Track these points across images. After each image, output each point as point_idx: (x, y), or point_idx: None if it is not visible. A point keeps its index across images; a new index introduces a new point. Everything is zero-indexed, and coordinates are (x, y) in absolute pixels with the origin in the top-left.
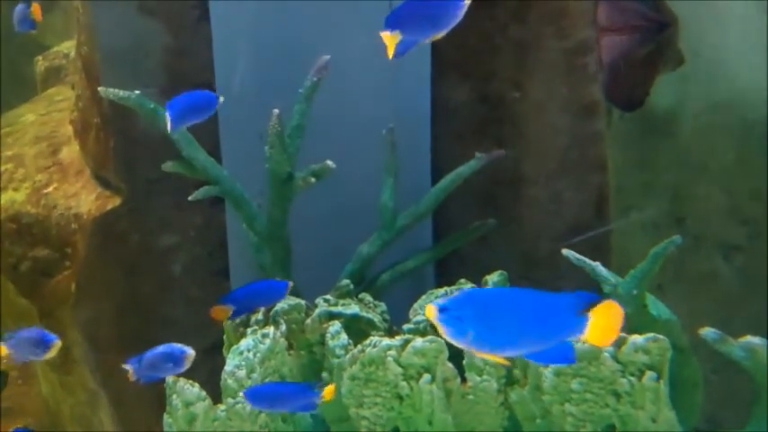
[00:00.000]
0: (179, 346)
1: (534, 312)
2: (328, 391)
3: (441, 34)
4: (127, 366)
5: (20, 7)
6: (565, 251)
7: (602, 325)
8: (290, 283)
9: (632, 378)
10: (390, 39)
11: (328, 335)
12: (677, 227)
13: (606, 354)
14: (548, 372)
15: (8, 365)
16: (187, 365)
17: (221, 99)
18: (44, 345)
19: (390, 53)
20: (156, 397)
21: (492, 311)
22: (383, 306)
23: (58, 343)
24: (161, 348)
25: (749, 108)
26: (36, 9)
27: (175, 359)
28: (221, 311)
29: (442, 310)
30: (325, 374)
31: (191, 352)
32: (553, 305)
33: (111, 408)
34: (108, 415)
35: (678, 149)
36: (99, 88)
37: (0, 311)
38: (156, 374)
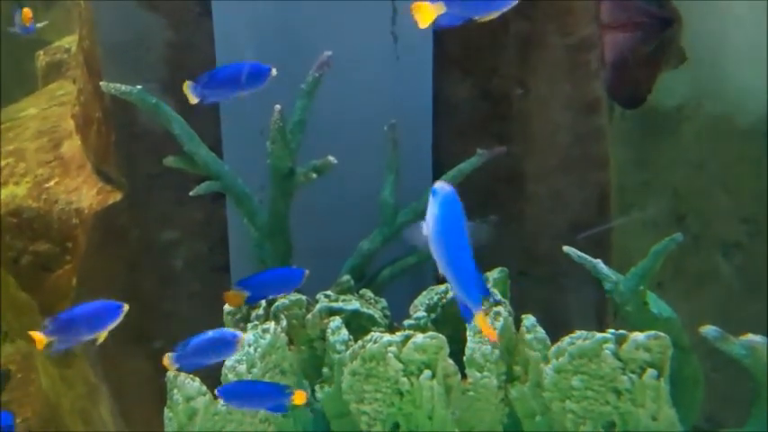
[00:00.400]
0: (230, 330)
1: None
2: (299, 396)
3: (494, 14)
4: (168, 357)
5: (17, 12)
6: (566, 248)
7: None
8: (306, 272)
9: (633, 375)
10: (430, 9)
11: (329, 330)
12: (678, 225)
13: (607, 351)
14: (548, 368)
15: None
16: (238, 349)
17: (274, 72)
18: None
19: (425, 23)
20: (156, 391)
21: None
22: (384, 302)
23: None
24: (210, 334)
25: (749, 107)
26: (26, 14)
27: (226, 343)
28: (236, 297)
29: None
30: (325, 370)
31: (242, 336)
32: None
33: (111, 401)
34: (108, 409)
35: (679, 148)
36: (101, 83)
37: (0, 306)
38: (202, 361)
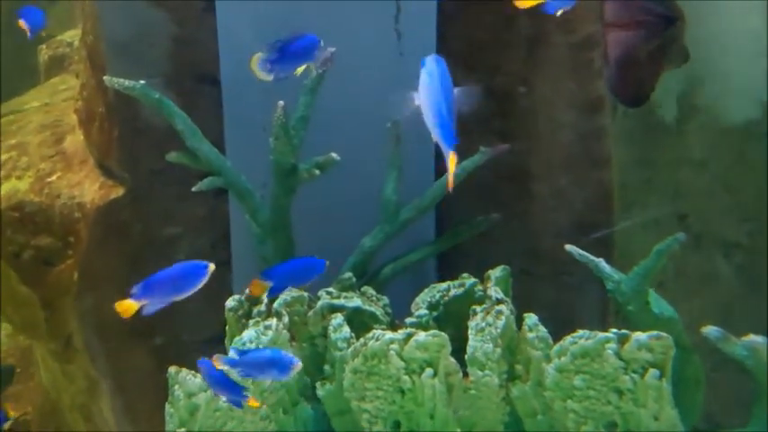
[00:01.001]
0: (287, 354)
1: None
2: (251, 403)
3: None
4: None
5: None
6: (568, 247)
7: None
8: (327, 262)
9: (635, 375)
10: None
11: (330, 327)
12: (679, 224)
13: (609, 351)
14: (550, 367)
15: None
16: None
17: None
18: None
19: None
20: (157, 386)
21: None
22: (385, 299)
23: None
24: (267, 352)
25: (750, 106)
26: (21, 24)
27: (282, 366)
28: (260, 287)
29: None
30: (326, 367)
31: (297, 363)
32: None
33: (112, 397)
34: (109, 404)
35: (680, 147)
36: (104, 77)
37: (0, 299)
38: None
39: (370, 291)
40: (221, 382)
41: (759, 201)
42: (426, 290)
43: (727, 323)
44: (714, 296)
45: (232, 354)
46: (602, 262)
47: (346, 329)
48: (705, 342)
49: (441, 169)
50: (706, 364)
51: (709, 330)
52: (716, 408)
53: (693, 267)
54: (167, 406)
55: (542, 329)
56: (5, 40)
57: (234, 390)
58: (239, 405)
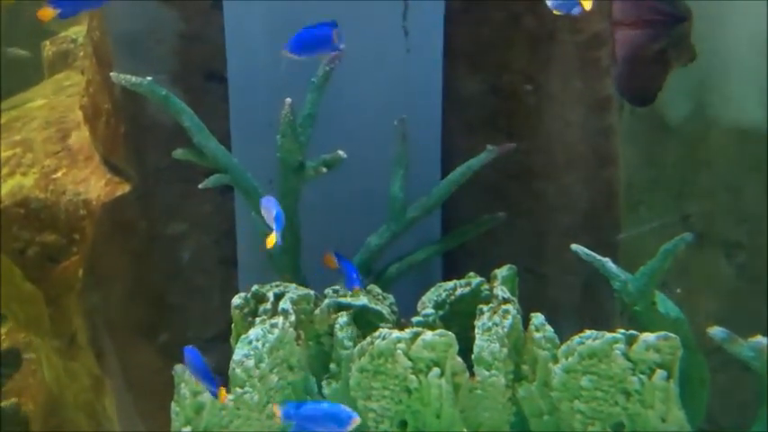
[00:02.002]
0: (345, 409)
1: None
2: (221, 394)
3: None
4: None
5: None
6: (574, 246)
7: None
8: None
9: (642, 376)
10: None
11: (337, 326)
12: (683, 224)
13: (617, 351)
14: (557, 368)
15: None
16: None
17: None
18: None
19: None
20: (162, 384)
21: None
22: (391, 298)
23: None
24: (325, 407)
25: (752, 106)
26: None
27: (340, 421)
28: (331, 260)
29: None
30: (332, 366)
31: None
32: None
33: (117, 395)
34: (113, 402)
35: (686, 147)
36: (111, 74)
37: (6, 296)
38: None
39: (377, 289)
40: (200, 372)
41: (760, 201)
42: (433, 289)
43: (728, 323)
44: (716, 296)
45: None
46: (608, 261)
47: (352, 328)
48: (708, 342)
49: (447, 168)
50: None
51: (715, 331)
52: (716, 409)
53: (696, 267)
54: (173, 404)
55: (549, 329)
56: (5, 41)
57: (210, 381)
58: (214, 395)
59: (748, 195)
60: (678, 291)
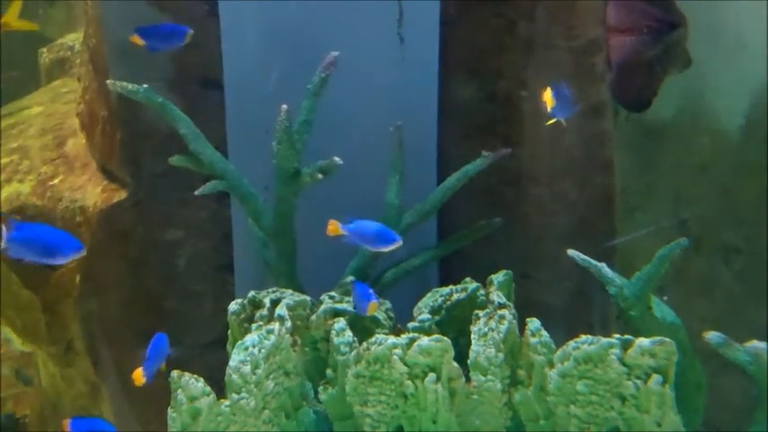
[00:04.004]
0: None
1: None
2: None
3: None
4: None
5: None
6: (570, 251)
7: None
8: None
9: (638, 381)
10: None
11: (333, 332)
12: (679, 229)
13: (613, 356)
14: (553, 373)
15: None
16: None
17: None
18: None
19: None
20: (158, 390)
21: None
22: (388, 304)
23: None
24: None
25: (750, 110)
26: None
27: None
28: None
29: None
30: (329, 371)
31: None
32: None
33: (113, 401)
34: (110, 408)
35: (681, 151)
36: (107, 81)
37: (3, 303)
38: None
39: None
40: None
41: (758, 205)
42: (429, 294)
43: (726, 328)
44: (714, 301)
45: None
46: (604, 267)
47: (349, 334)
48: (704, 347)
49: (443, 174)
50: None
51: (711, 336)
52: (714, 412)
53: (693, 272)
54: (170, 410)
55: (545, 334)
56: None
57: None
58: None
59: (745, 200)
60: (665, 298)
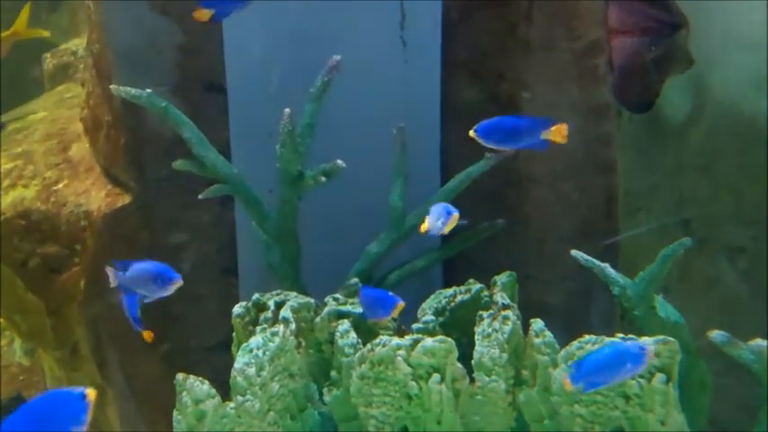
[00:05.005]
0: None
1: None
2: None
3: None
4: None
5: None
6: (573, 252)
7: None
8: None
9: (642, 380)
10: None
11: (337, 333)
12: (683, 229)
13: None
14: (557, 373)
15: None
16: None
17: None
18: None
19: None
20: (164, 393)
21: None
22: None
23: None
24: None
25: (753, 111)
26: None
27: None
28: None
29: None
30: (333, 373)
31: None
32: None
33: (119, 404)
34: (115, 411)
35: (685, 152)
36: (111, 86)
37: (8, 307)
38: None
39: None
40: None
41: (762, 205)
42: (433, 296)
43: (731, 327)
44: (717, 300)
45: None
46: (607, 267)
47: (353, 335)
48: (709, 346)
49: (446, 176)
50: (710, 369)
51: (715, 335)
52: (720, 411)
53: (697, 272)
54: (175, 413)
55: (549, 335)
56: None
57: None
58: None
59: (749, 199)
60: (661, 295)
